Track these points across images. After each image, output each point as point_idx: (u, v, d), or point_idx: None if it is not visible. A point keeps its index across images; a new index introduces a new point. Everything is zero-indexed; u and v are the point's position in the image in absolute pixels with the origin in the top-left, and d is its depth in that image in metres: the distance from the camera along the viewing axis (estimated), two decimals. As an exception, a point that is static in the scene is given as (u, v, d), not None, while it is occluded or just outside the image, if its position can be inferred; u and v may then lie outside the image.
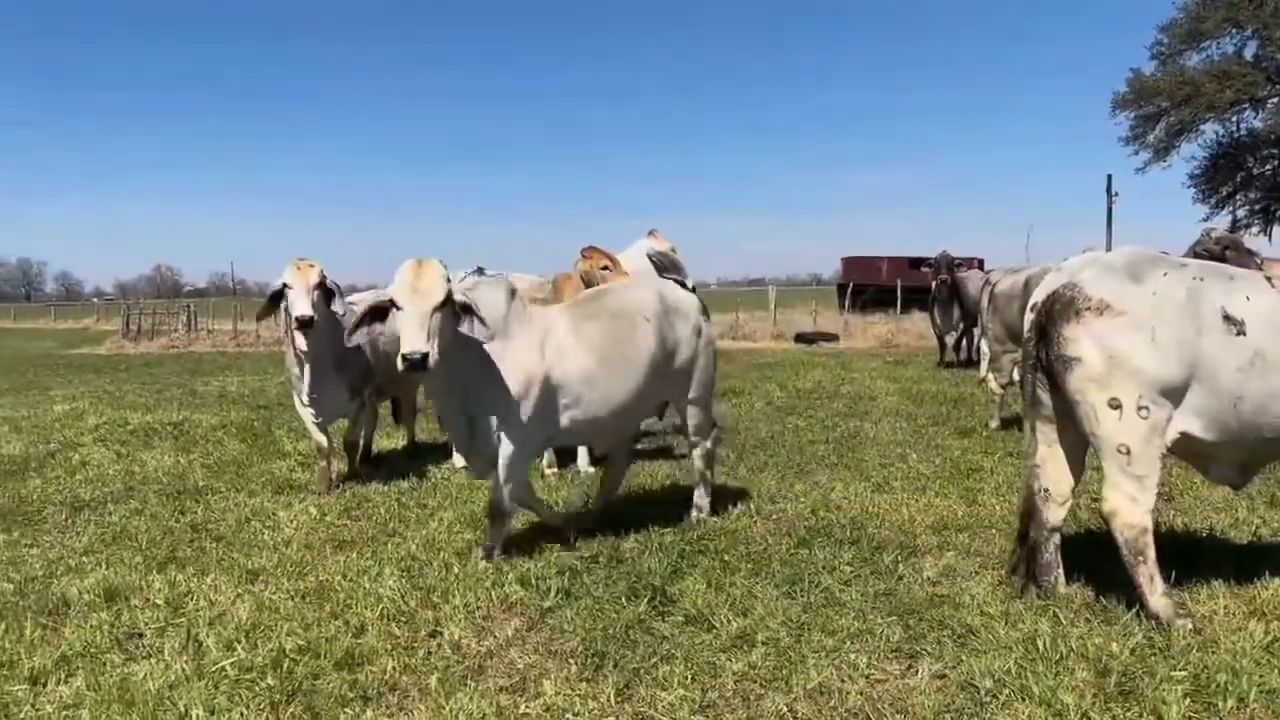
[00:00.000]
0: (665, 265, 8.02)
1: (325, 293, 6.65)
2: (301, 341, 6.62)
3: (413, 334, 4.50)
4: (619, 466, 6.11)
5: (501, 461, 5.08)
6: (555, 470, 7.39)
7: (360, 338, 4.93)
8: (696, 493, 5.96)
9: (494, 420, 5.00)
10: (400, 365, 4.52)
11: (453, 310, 4.67)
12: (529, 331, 5.09)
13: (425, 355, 4.47)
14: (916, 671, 3.62)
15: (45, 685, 3.67)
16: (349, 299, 7.14)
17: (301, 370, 6.85)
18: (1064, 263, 4.37)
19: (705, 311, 5.95)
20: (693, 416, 5.85)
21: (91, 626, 4.21)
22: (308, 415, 7.09)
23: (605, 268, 6.98)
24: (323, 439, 7.07)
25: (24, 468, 8.06)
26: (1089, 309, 3.96)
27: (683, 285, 8.17)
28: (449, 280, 4.68)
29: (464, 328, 4.70)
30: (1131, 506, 3.96)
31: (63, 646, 4.01)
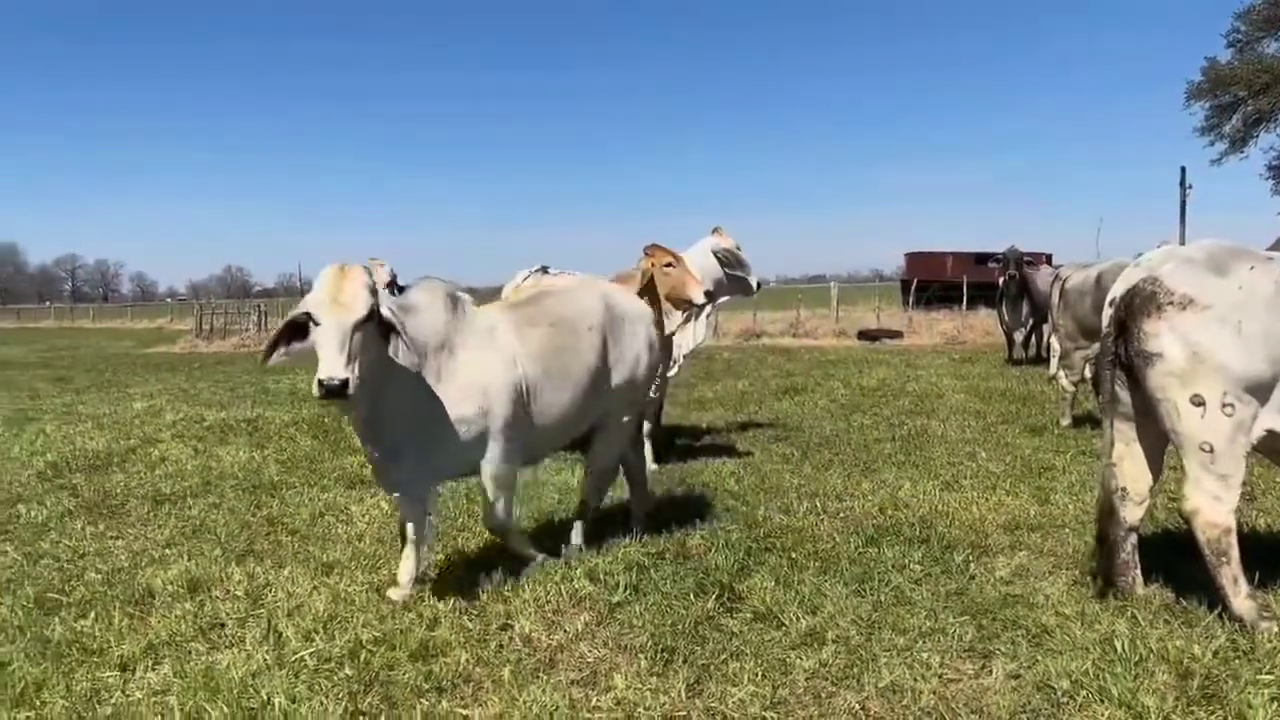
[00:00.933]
0: (730, 262, 8.02)
1: (395, 291, 6.77)
2: None
3: (330, 356, 3.79)
4: (638, 486, 5.78)
5: (488, 481, 4.60)
6: (620, 467, 7.41)
7: (277, 359, 4.11)
8: (575, 528, 5.33)
9: (444, 444, 4.38)
10: (315, 392, 3.79)
11: (379, 327, 4.02)
12: (480, 335, 4.54)
13: (345, 382, 3.74)
14: (990, 671, 3.57)
15: (134, 672, 3.81)
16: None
17: None
18: (1141, 257, 4.28)
19: (658, 323, 5.53)
20: (612, 437, 5.29)
21: (176, 616, 4.35)
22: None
23: (669, 265, 6.99)
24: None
25: (107, 463, 8.33)
26: (1171, 303, 3.87)
27: (747, 282, 8.18)
28: (374, 292, 4.01)
29: (391, 349, 4.11)
30: (1214, 505, 3.86)
31: (150, 635, 4.15)
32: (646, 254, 7.16)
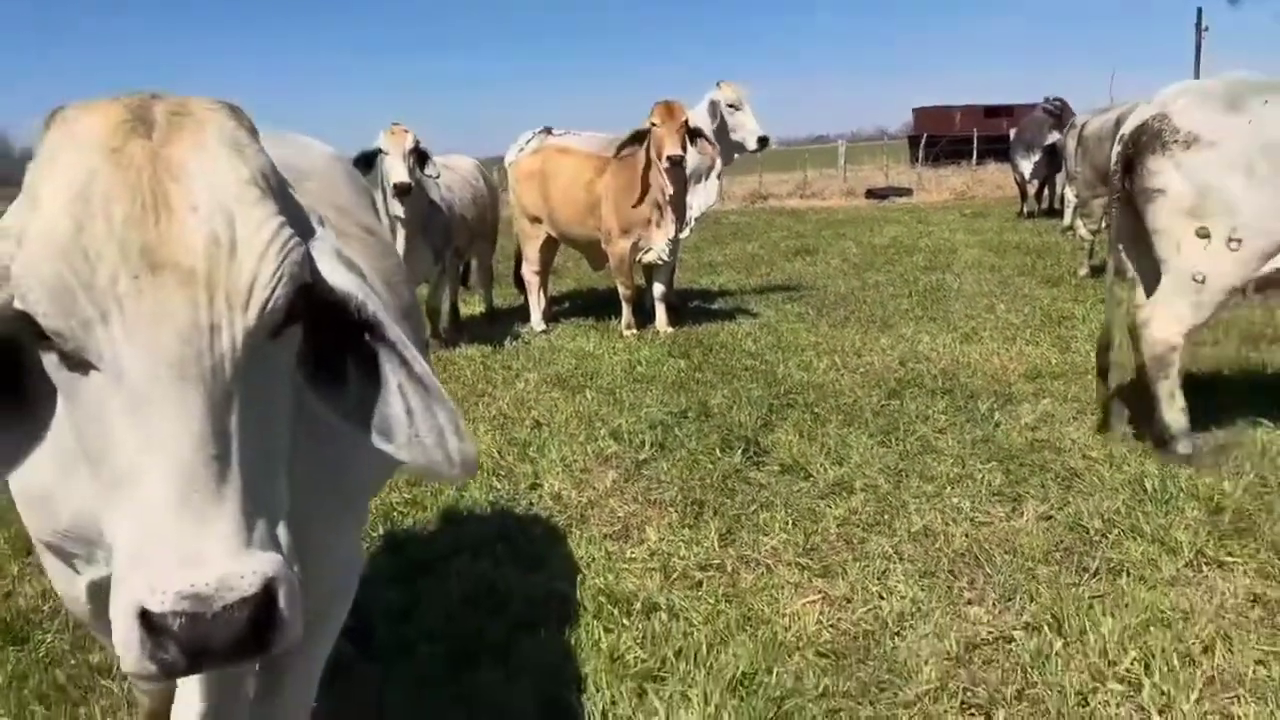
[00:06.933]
0: (737, 105, 7.76)
1: (419, 157, 6.59)
2: (398, 208, 6.54)
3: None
4: None
5: None
6: (634, 331, 7.38)
7: None
8: None
9: None
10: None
11: None
12: None
13: None
14: (1021, 514, 3.59)
15: None
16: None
17: (394, 237, 6.84)
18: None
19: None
20: None
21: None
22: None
23: (654, 122, 6.79)
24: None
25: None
26: (1176, 141, 3.78)
27: (736, 143, 7.91)
28: None
29: None
30: (1172, 324, 3.91)
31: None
32: (654, 112, 6.95)
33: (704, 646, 2.73)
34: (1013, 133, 16.58)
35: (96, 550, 1.43)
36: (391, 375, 1.25)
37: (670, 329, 7.34)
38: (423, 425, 1.26)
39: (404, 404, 1.26)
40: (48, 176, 1.06)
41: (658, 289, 7.56)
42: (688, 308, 8.31)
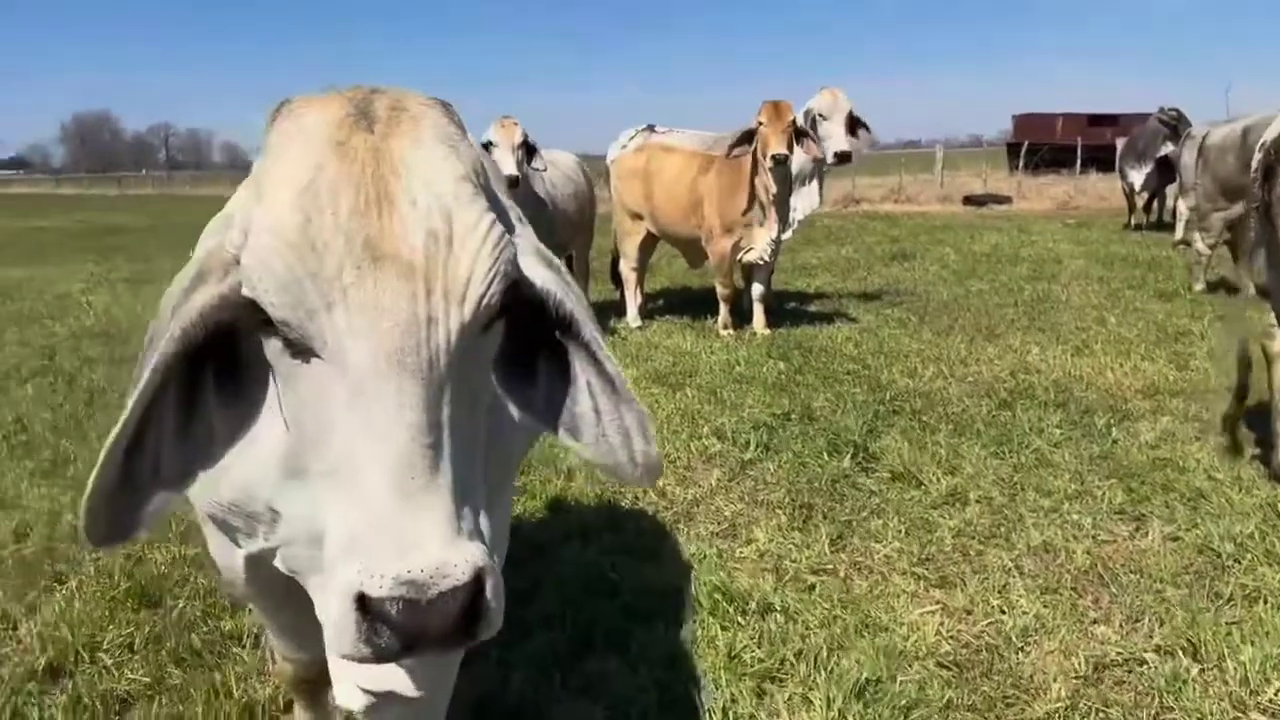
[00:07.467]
0: (826, 115, 7.60)
1: (527, 151, 6.68)
2: None
3: None
4: None
5: None
6: (731, 331, 7.35)
7: None
8: None
9: None
10: None
11: None
12: None
13: None
14: (1146, 534, 3.48)
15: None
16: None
17: None
18: None
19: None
20: None
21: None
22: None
23: (760, 122, 6.75)
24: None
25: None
26: None
27: (837, 151, 7.72)
28: None
29: None
30: None
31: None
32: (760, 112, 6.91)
33: (823, 650, 2.70)
34: (1120, 142, 16.06)
35: (257, 525, 1.47)
36: (581, 373, 1.26)
37: (768, 330, 7.30)
38: (610, 425, 1.27)
39: (592, 403, 1.26)
40: (275, 168, 1.08)
41: (756, 289, 7.52)
42: (784, 309, 8.25)
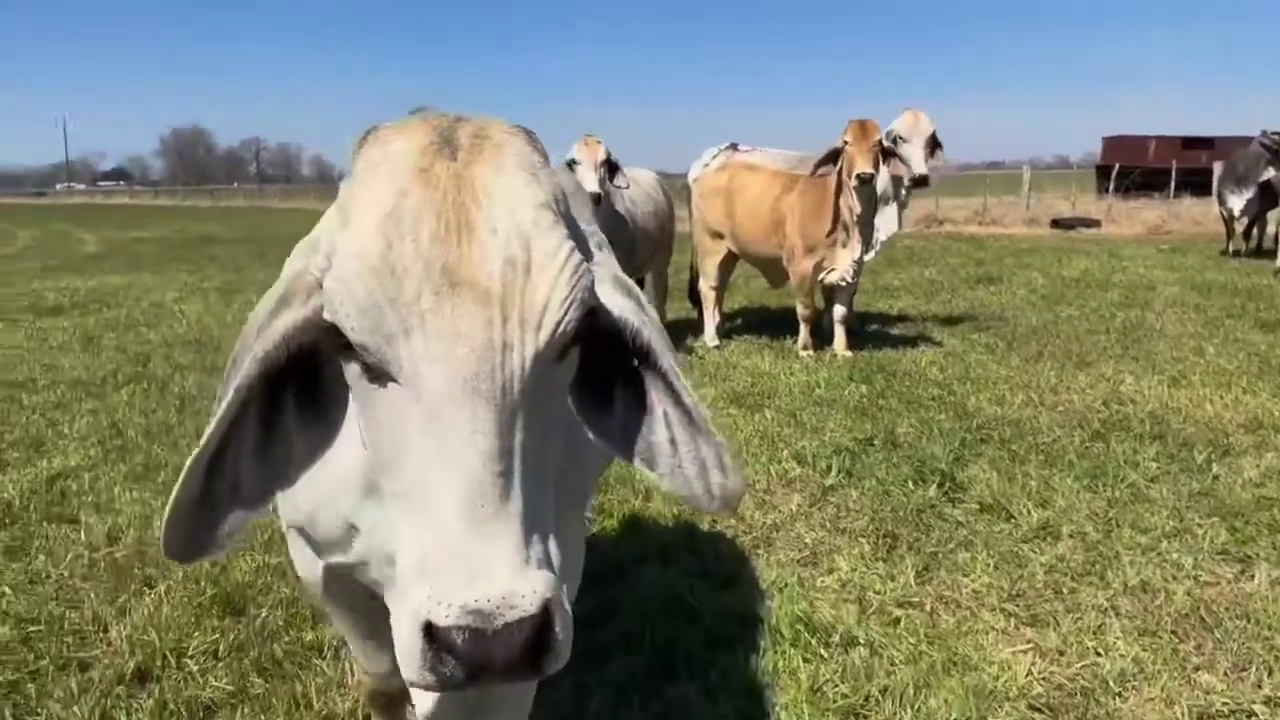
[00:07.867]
0: (906, 138, 7.40)
1: (609, 169, 6.71)
2: None
3: None
4: None
5: None
6: (811, 352, 7.25)
7: None
8: None
9: None
10: None
11: None
12: None
13: None
14: (1253, 576, 3.31)
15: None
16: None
17: None
18: None
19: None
20: None
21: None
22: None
23: (846, 141, 6.66)
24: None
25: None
26: None
27: (914, 176, 7.52)
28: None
29: None
30: None
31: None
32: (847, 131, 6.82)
33: (910, 687, 2.62)
34: (1217, 166, 15.49)
35: (336, 538, 1.49)
36: (658, 403, 1.24)
37: (849, 352, 7.18)
38: (686, 457, 1.25)
39: (668, 433, 1.25)
40: (360, 194, 1.09)
41: (838, 311, 7.41)
42: (866, 331, 8.12)
